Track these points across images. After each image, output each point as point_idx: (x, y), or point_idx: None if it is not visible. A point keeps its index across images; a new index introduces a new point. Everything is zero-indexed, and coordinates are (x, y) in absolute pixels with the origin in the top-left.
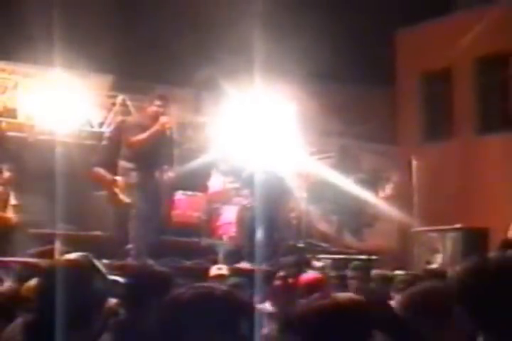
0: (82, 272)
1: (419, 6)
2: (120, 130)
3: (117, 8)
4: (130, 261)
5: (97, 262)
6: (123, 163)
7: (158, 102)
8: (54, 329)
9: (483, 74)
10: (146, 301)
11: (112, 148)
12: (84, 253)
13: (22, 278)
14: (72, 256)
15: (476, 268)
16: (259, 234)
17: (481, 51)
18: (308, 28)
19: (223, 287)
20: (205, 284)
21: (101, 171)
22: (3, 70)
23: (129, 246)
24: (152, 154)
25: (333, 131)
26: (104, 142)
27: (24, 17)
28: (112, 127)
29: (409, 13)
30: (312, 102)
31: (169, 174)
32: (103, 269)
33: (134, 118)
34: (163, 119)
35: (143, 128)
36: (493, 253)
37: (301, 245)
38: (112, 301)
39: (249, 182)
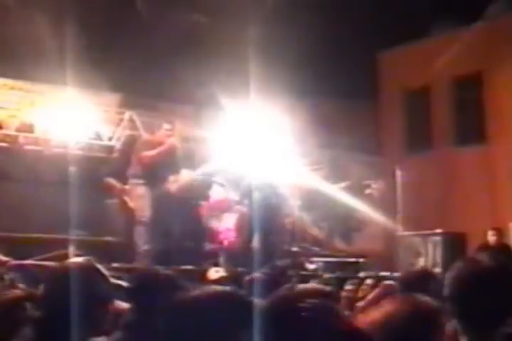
0: (85, 274)
1: (398, 30)
2: (130, 144)
3: (121, 30)
4: (139, 264)
5: (100, 265)
6: (132, 181)
7: (167, 126)
8: (59, 328)
9: (459, 92)
10: (151, 302)
11: (122, 160)
12: (88, 257)
13: (36, 281)
14: (77, 259)
15: (466, 272)
16: (256, 239)
17: (457, 71)
18: (299, 49)
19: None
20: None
21: (112, 181)
22: (21, 89)
23: (139, 250)
24: (159, 169)
25: (324, 143)
26: (115, 154)
27: (40, 41)
28: (121, 141)
29: (390, 36)
30: (304, 116)
31: (174, 185)
32: (106, 272)
33: (144, 139)
34: (171, 140)
35: (152, 149)
36: (479, 257)
37: (295, 249)
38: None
39: (246, 192)
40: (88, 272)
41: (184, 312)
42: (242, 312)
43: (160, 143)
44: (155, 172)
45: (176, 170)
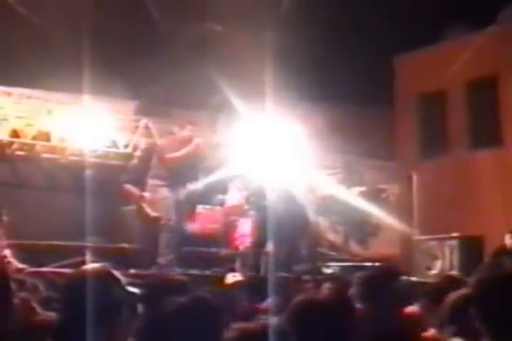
0: (101, 280)
1: (413, 35)
2: (150, 151)
3: (137, 39)
4: (155, 270)
5: (115, 271)
6: (152, 181)
7: (190, 127)
8: (76, 333)
9: (474, 96)
10: (162, 307)
11: (141, 167)
12: (104, 263)
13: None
14: (93, 265)
15: (489, 276)
16: (270, 244)
17: (471, 75)
18: (314, 54)
19: None
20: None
21: (130, 188)
22: (38, 98)
23: (160, 257)
24: (182, 172)
25: (339, 149)
26: (135, 161)
27: (56, 51)
28: (142, 148)
29: (405, 41)
30: (319, 122)
31: (189, 189)
32: (121, 278)
33: (166, 141)
34: (197, 140)
35: (175, 151)
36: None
37: (312, 254)
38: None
39: (256, 195)
40: (104, 277)
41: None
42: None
43: (184, 143)
44: (180, 174)
45: (196, 172)
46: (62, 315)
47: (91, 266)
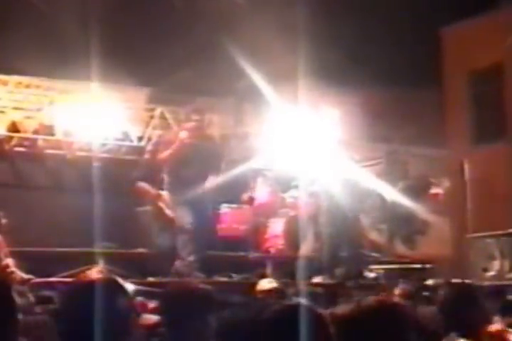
0: (104, 289)
1: (464, 2)
2: (168, 144)
3: (151, 21)
4: (174, 278)
5: (120, 279)
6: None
7: (195, 117)
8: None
9: None
10: (187, 320)
11: (154, 163)
12: (108, 270)
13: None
14: (96, 274)
15: None
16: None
17: None
18: (349, 30)
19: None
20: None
21: (145, 186)
22: (38, 87)
23: (178, 262)
24: (179, 171)
25: (379, 137)
26: (147, 156)
27: (59, 31)
28: (153, 141)
29: (454, 9)
30: (357, 107)
31: (208, 185)
32: (128, 287)
33: (169, 134)
34: (181, 135)
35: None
36: None
37: (354, 255)
38: (153, 318)
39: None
40: (108, 287)
41: None
42: None
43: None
44: (175, 175)
45: (215, 166)
46: (64, 327)
47: (94, 273)
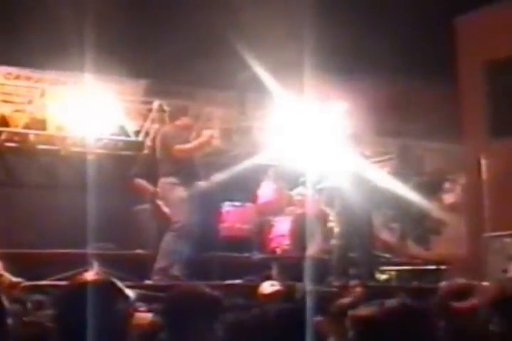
0: (100, 291)
1: None
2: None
3: (151, 10)
4: (174, 281)
5: (118, 282)
6: (164, 179)
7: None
8: None
9: None
10: (193, 326)
11: (152, 158)
12: (103, 272)
13: None
14: (92, 275)
15: None
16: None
17: None
18: (357, 19)
19: None
20: None
21: (142, 183)
22: (29, 78)
23: (161, 263)
24: (195, 166)
25: (391, 131)
26: (146, 151)
27: (51, 19)
28: (151, 136)
29: None
30: (367, 99)
31: (207, 183)
32: (125, 289)
33: (170, 128)
34: (207, 132)
35: (183, 139)
36: None
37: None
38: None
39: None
40: (105, 288)
41: None
42: None
43: (188, 131)
44: (190, 169)
45: (211, 164)
46: (58, 330)
47: (90, 275)
